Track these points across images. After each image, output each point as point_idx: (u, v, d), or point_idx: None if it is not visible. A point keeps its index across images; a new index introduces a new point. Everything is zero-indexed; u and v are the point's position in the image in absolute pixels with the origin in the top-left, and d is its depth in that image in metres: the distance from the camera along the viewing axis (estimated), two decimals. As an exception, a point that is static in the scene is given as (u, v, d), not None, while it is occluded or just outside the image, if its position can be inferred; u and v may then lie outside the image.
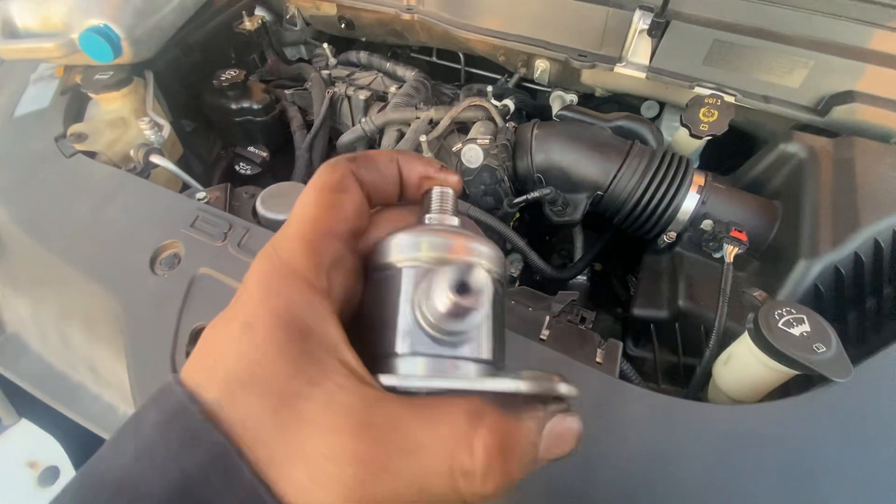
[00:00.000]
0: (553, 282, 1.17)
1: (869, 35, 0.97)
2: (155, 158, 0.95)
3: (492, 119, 1.12)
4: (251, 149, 1.25)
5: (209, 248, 0.78)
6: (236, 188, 0.91)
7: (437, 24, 1.32)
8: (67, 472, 0.98)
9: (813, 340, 0.64)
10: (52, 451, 1.01)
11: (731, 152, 1.32)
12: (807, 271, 0.79)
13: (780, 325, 0.66)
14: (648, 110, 1.44)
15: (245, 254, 0.76)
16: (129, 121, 1.05)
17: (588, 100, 1.40)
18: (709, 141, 1.13)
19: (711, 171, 1.36)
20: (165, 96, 1.34)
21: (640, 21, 1.08)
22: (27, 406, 1.01)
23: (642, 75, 1.13)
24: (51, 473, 0.96)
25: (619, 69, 1.15)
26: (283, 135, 1.36)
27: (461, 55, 1.59)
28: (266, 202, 0.84)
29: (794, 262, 0.80)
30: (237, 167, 1.24)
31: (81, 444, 1.00)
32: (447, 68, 1.72)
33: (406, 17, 1.37)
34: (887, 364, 0.62)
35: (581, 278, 1.21)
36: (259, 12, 1.63)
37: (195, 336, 0.73)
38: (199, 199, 0.84)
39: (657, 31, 1.06)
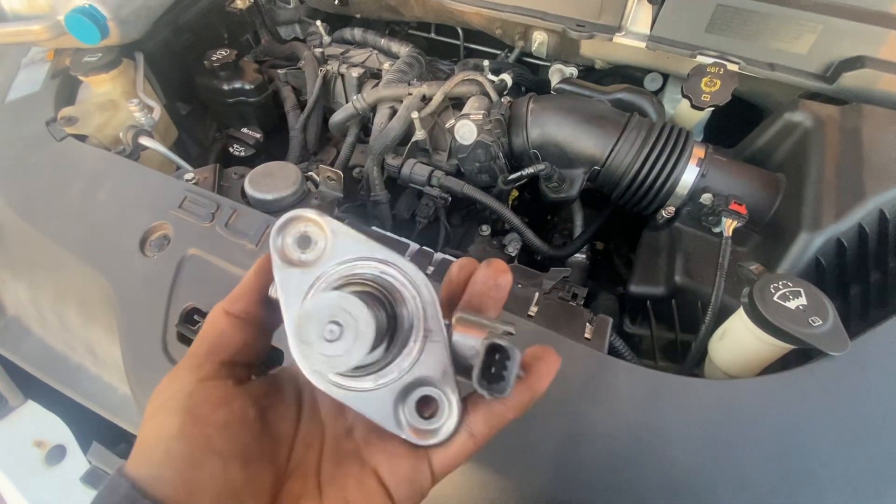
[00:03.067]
0: (551, 260, 1.15)
1: (881, -5, 0.92)
2: (144, 140, 0.94)
3: (486, 94, 1.09)
4: (245, 130, 1.24)
5: (197, 229, 0.78)
6: (226, 169, 0.90)
7: (431, -2, 1.28)
8: (73, 451, 1.00)
9: (809, 314, 0.62)
10: (59, 431, 1.04)
11: (738, 124, 1.27)
12: (808, 244, 0.76)
13: (775, 298, 0.64)
14: (652, 83, 1.39)
15: (233, 234, 0.76)
16: (118, 103, 1.05)
17: (589, 73, 1.35)
18: (714, 112, 1.09)
19: (717, 143, 1.33)
20: (159, 78, 1.32)
21: (641, -13, 1.04)
22: (33, 387, 1.04)
23: (642, 45, 1.09)
24: (57, 452, 0.98)
25: (619, 39, 1.11)
26: (276, 115, 1.35)
27: (460, 31, 1.55)
28: (254, 182, 0.83)
29: (796, 235, 0.78)
30: (231, 149, 1.23)
31: (87, 423, 1.02)
32: (446, 44, 1.68)
33: (399, -10, 1.33)
34: (885, 338, 0.60)
35: (579, 256, 1.19)
36: (252, -9, 1.59)
37: (185, 316, 0.73)
38: (187, 181, 0.83)
39: (657, -3, 1.02)
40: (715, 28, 1.03)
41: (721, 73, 1.00)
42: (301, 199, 0.83)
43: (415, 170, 1.08)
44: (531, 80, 1.42)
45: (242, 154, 1.22)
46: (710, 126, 1.30)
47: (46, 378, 0.93)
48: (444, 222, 1.18)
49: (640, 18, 1.09)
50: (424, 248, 0.75)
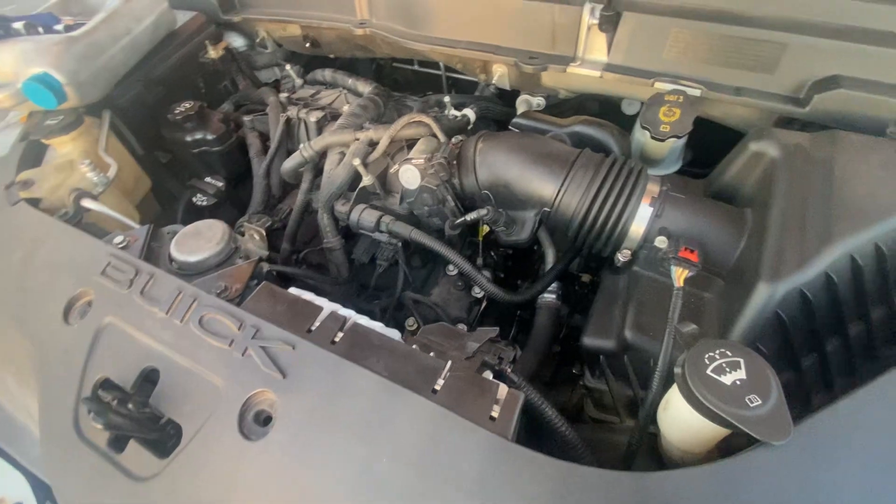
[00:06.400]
0: (521, 304, 1.08)
1: (851, 9, 0.83)
2: (86, 203, 0.96)
3: (434, 135, 1.05)
4: (207, 179, 1.25)
5: (116, 296, 0.77)
6: (162, 228, 0.90)
7: (389, 38, 1.27)
8: (31, 510, 1.00)
9: (748, 390, 0.54)
10: (19, 488, 1.04)
11: (721, 143, 1.18)
12: (769, 297, 0.67)
13: (709, 371, 0.56)
14: (629, 107, 1.31)
15: (147, 301, 0.74)
16: (75, 164, 1.07)
17: (563, 102, 1.29)
18: (691, 136, 1.01)
19: (704, 166, 1.23)
20: (135, 131, 1.36)
21: (590, 15, 0.98)
22: (-5, 444, 1.05)
23: (597, 74, 1.03)
24: (14, 511, 0.98)
25: (574, 69, 1.05)
26: (243, 162, 1.35)
27: (441, 63, 1.54)
28: (179, 244, 0.82)
29: (754, 285, 0.68)
30: (195, 199, 1.24)
31: (43, 482, 1.02)
32: (431, 75, 1.67)
33: (359, 31, 1.33)
34: (838, 421, 0.51)
35: (549, 297, 1.12)
36: (231, 38, 1.64)
37: (97, 388, 0.71)
38: (116, 244, 0.83)
39: (608, 24, 0.96)
40: (673, 52, 0.96)
41: (680, 100, 0.92)
42: (226, 259, 0.81)
43: (363, 216, 1.04)
44: (499, 112, 1.37)
45: (205, 204, 1.22)
46: (693, 146, 1.21)
47: (-1, 439, 0.94)
48: (403, 265, 1.13)
49: (595, 47, 1.03)
50: (337, 312, 0.71)
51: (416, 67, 1.67)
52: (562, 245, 1.13)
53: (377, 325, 0.73)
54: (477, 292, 1.17)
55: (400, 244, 1.05)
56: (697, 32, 0.92)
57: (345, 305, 1.19)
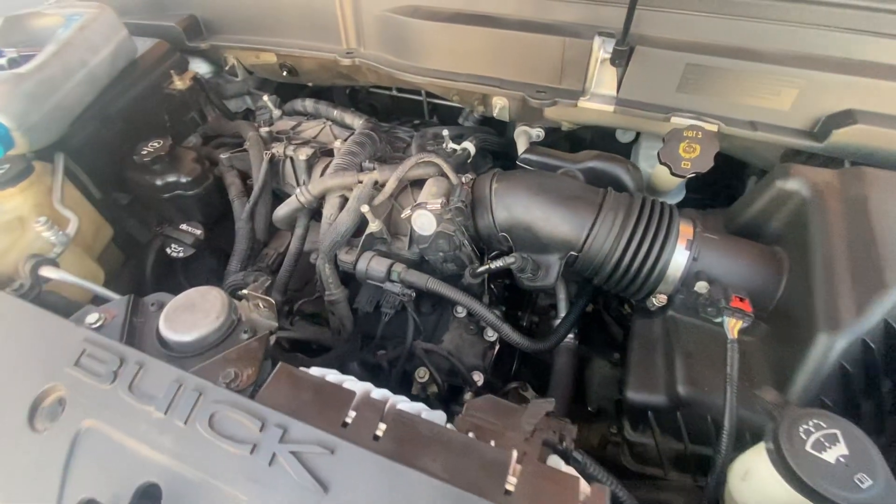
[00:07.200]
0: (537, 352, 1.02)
1: (864, 45, 0.84)
2: (47, 272, 0.81)
3: (445, 175, 0.98)
4: (183, 227, 1.11)
5: (96, 393, 0.63)
6: (142, 298, 0.77)
7: (380, 69, 1.19)
8: None
9: (854, 469, 0.50)
10: None
11: (721, 175, 1.18)
12: (829, 348, 0.64)
13: (808, 447, 0.51)
14: (624, 135, 1.31)
15: (137, 398, 0.61)
16: (27, 221, 0.92)
17: (557, 131, 1.26)
18: None
19: (700, 197, 1.23)
20: (91, 173, 1.20)
21: (601, 49, 0.95)
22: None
23: (610, 108, 1.00)
24: None
25: (584, 103, 1.01)
26: (221, 205, 1.22)
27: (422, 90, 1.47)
28: (171, 320, 0.70)
29: (813, 337, 0.66)
30: (168, 250, 1.10)
31: None
32: (410, 101, 1.60)
33: (346, 62, 1.24)
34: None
35: (567, 338, 1.07)
36: (195, 66, 1.50)
37: (80, 514, 0.58)
38: (89, 325, 0.69)
39: (621, 59, 0.93)
40: (687, 87, 0.94)
41: (699, 136, 0.90)
42: (227, 335, 0.70)
43: (371, 265, 0.95)
44: (496, 143, 1.33)
45: (181, 255, 1.09)
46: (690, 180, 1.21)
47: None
48: (412, 314, 1.05)
49: (605, 80, 1.00)
50: (371, 395, 0.62)
51: (393, 93, 1.60)
52: (569, 278, 1.09)
53: (419, 408, 0.64)
54: (490, 335, 1.10)
55: (413, 294, 0.97)
56: (711, 68, 0.91)
57: (350, 361, 1.10)
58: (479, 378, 1.04)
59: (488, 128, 1.39)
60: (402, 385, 1.06)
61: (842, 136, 0.85)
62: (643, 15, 0.92)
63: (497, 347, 1.13)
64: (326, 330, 1.08)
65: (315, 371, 0.67)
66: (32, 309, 0.73)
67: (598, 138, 1.36)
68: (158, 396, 0.61)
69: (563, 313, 1.17)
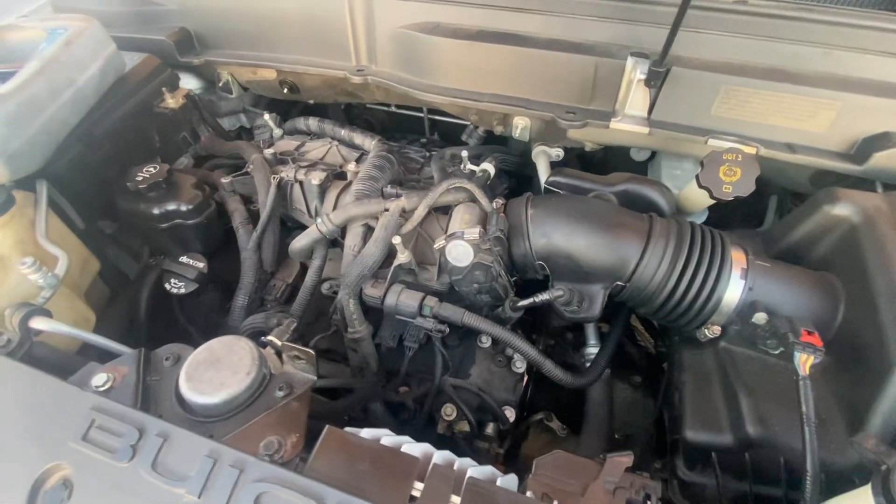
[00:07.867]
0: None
1: (903, 69, 0.84)
2: (37, 323, 0.70)
3: (476, 201, 0.92)
4: (184, 259, 1.01)
5: (111, 472, 0.54)
6: (154, 351, 0.67)
7: (395, 87, 1.13)
8: None
9: (983, 528, 0.46)
10: None
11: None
12: (908, 383, 0.62)
13: (930, 505, 0.48)
14: (638, 154, 1.28)
15: (163, 479, 0.52)
16: (9, 261, 0.80)
17: (569, 150, 1.22)
18: None
19: (716, 215, 1.21)
20: (74, 200, 1.09)
21: (636, 70, 0.92)
22: None
23: (644, 130, 0.97)
24: None
25: (616, 125, 0.98)
26: (223, 233, 1.13)
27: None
28: (193, 378, 0.60)
29: (890, 371, 0.63)
30: (168, 285, 0.99)
31: None
32: (409, 117, 1.54)
33: (356, 80, 1.17)
34: None
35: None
36: (185, 82, 1.40)
37: None
38: (95, 388, 0.60)
39: (657, 80, 0.90)
40: (723, 109, 0.92)
41: (739, 159, 0.88)
42: (260, 394, 0.61)
43: (402, 299, 0.88)
44: (514, 163, 1.28)
45: (182, 291, 0.98)
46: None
47: None
48: (440, 348, 0.98)
49: (637, 102, 0.97)
50: (436, 462, 0.55)
51: (392, 109, 1.55)
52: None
53: (489, 473, 0.57)
54: (518, 367, 1.04)
55: (447, 329, 0.90)
56: (748, 90, 0.89)
57: (372, 402, 1.02)
58: (511, 414, 0.98)
59: (507, 149, 1.34)
60: (426, 424, 0.99)
61: (882, 159, 0.84)
62: (678, 36, 0.89)
63: (526, 379, 1.07)
64: (346, 368, 1.00)
65: (366, 433, 0.59)
66: (26, 371, 0.62)
67: (610, 156, 1.33)
68: (190, 475, 0.53)
69: (591, 340, 1.13)
